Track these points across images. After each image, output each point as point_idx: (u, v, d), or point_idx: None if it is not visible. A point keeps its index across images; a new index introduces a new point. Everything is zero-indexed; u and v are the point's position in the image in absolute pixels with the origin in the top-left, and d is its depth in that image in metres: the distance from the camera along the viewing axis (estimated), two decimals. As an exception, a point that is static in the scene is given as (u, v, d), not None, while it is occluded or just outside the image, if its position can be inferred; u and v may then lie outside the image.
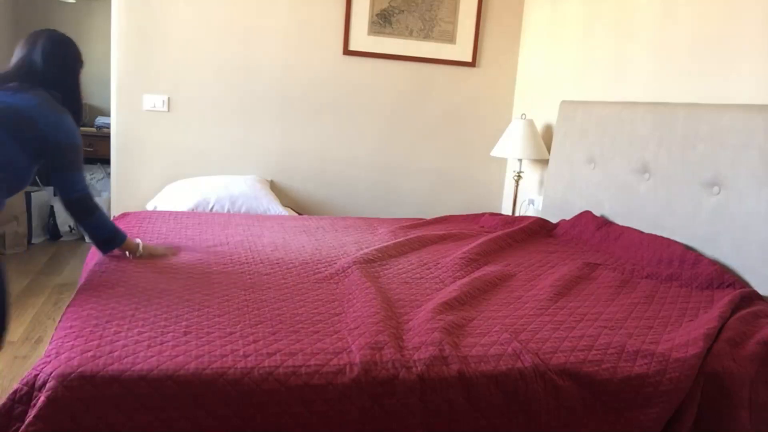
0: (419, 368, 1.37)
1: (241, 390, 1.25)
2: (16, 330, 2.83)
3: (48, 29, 1.90)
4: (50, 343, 1.37)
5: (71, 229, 4.42)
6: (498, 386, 1.39)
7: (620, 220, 2.71)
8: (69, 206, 1.82)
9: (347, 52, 3.58)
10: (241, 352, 1.34)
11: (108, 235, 1.92)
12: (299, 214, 3.53)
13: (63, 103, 1.82)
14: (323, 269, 2.03)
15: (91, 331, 1.38)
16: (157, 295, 1.65)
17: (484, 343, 1.51)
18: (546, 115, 3.54)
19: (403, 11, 3.61)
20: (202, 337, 1.40)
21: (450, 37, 3.70)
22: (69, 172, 1.78)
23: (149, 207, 3.15)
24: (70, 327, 1.40)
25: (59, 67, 1.84)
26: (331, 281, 1.91)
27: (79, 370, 1.21)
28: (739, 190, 2.15)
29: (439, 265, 2.18)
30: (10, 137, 1.64)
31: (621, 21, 2.94)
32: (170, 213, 2.76)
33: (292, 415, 1.27)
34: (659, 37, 2.70)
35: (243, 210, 3.12)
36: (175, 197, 3.12)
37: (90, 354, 1.27)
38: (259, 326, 1.49)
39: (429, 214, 3.90)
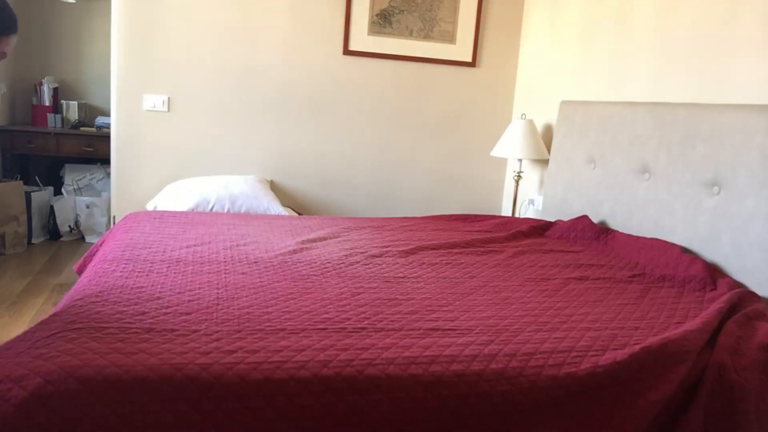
0: (386, 366, 1.36)
1: (199, 385, 1.24)
2: (16, 330, 2.83)
3: None
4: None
5: (71, 229, 4.42)
6: (470, 386, 1.37)
7: (620, 220, 2.71)
8: None
9: (347, 52, 3.58)
10: (201, 350, 1.34)
11: None
12: (299, 214, 3.53)
13: None
14: (301, 269, 2.02)
15: (56, 326, 1.40)
16: (127, 292, 1.66)
17: (461, 343, 1.50)
18: (546, 115, 3.54)
19: (403, 11, 3.61)
20: (165, 335, 1.40)
21: (450, 37, 3.70)
22: None
23: (149, 207, 3.15)
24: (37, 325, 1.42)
25: None
26: (308, 281, 1.90)
27: (32, 366, 1.21)
28: (739, 190, 2.14)
29: (424, 265, 2.18)
30: None
31: (621, 21, 2.94)
32: (157, 212, 2.75)
33: (252, 409, 1.26)
34: (659, 37, 2.70)
35: (243, 210, 3.12)
36: (175, 197, 3.12)
37: (48, 353, 1.28)
38: (224, 324, 1.49)
39: (428, 214, 3.90)
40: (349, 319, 1.60)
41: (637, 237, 2.49)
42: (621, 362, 1.47)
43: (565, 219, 2.97)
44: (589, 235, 2.67)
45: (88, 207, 4.36)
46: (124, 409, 1.21)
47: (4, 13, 1.60)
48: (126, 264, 1.92)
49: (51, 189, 4.51)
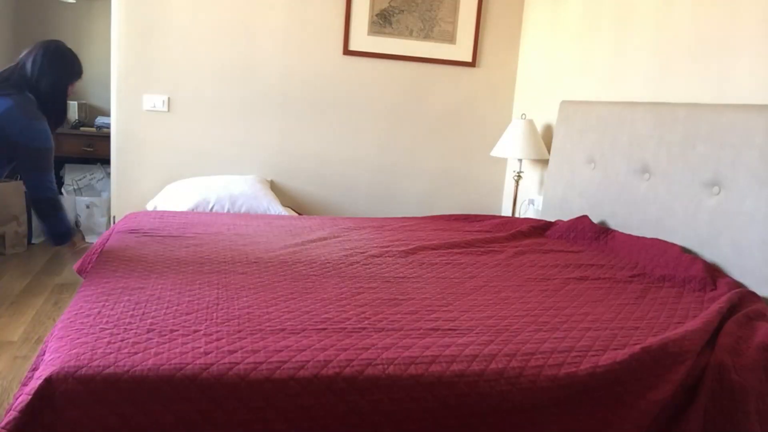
0: (386, 366, 1.36)
1: (200, 384, 1.25)
2: (16, 330, 2.83)
3: (52, 40, 2.06)
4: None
5: (71, 229, 4.42)
6: (470, 386, 1.37)
7: (620, 221, 2.71)
8: (37, 204, 1.96)
9: (347, 52, 3.58)
10: (202, 350, 1.34)
11: (65, 231, 2.07)
12: (299, 214, 3.53)
13: (42, 109, 1.97)
14: (301, 269, 2.02)
15: (59, 328, 1.41)
16: (128, 292, 1.66)
17: (461, 343, 1.50)
18: (546, 115, 3.54)
19: (403, 11, 3.61)
20: (165, 335, 1.40)
21: (450, 37, 3.70)
22: (39, 173, 1.92)
23: (149, 207, 3.15)
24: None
25: (46, 75, 1.99)
26: (308, 281, 1.90)
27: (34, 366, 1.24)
28: (739, 190, 2.14)
29: (424, 265, 2.18)
30: None
31: (621, 21, 2.94)
32: (156, 212, 2.75)
33: (252, 410, 1.26)
34: (659, 37, 2.70)
35: (243, 210, 3.12)
36: (175, 197, 3.12)
37: (49, 356, 1.29)
38: (224, 325, 1.49)
39: (428, 214, 3.90)
40: (349, 319, 1.60)
41: (637, 237, 2.49)
42: (621, 362, 1.47)
43: (565, 219, 2.97)
44: (589, 235, 2.67)
45: (88, 207, 4.36)
46: (124, 409, 1.21)
47: (77, 61, 2.09)
48: (126, 264, 1.92)
49: (51, 189, 4.51)
